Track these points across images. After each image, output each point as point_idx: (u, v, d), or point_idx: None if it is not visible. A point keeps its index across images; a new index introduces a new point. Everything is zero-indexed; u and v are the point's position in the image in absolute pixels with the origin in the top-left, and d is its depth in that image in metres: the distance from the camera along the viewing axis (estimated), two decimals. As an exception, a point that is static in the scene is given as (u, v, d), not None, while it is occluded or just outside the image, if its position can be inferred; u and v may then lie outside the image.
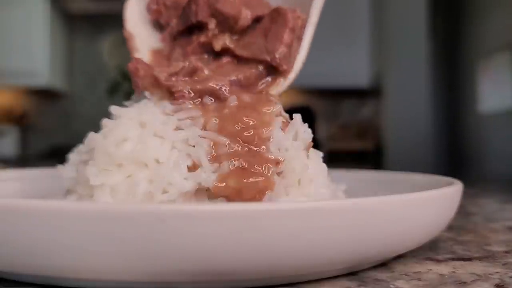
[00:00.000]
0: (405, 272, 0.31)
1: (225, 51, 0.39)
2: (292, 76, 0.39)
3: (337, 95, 3.29)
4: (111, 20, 3.42)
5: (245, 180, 0.32)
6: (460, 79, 3.21)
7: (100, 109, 3.20)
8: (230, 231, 0.24)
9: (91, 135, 0.36)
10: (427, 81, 2.76)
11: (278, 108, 0.37)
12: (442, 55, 3.29)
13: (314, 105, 3.17)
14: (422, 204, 0.31)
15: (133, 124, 0.35)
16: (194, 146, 0.34)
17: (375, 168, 2.38)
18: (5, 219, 0.24)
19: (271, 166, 0.33)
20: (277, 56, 0.38)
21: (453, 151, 3.27)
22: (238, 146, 0.34)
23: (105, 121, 0.37)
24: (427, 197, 0.32)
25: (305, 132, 0.37)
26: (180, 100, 0.36)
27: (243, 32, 0.40)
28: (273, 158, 0.34)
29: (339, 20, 2.93)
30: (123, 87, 2.58)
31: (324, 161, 0.39)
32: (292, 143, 0.36)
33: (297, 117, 0.38)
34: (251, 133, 0.35)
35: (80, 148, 0.37)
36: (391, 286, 0.28)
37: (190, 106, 0.36)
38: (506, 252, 0.38)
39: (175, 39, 0.42)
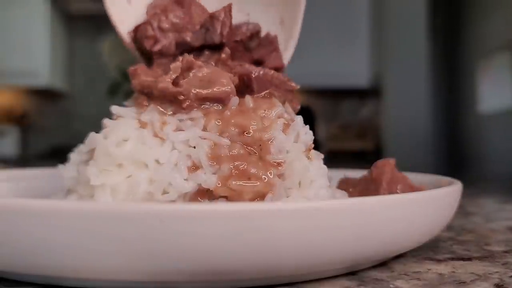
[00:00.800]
0: (404, 272, 0.31)
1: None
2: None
3: (337, 95, 3.29)
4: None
5: (245, 182, 0.32)
6: (460, 79, 3.21)
7: (100, 109, 3.19)
8: (230, 231, 0.24)
9: (92, 135, 0.36)
10: (427, 81, 2.76)
11: (280, 109, 0.37)
12: (442, 55, 3.29)
13: (314, 105, 3.17)
14: (422, 204, 0.31)
15: (133, 124, 0.35)
16: (194, 147, 0.34)
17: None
18: (5, 219, 0.24)
19: (271, 168, 0.34)
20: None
21: (453, 151, 3.27)
22: (238, 148, 0.34)
23: (105, 121, 0.37)
24: (427, 197, 0.32)
25: (306, 134, 0.37)
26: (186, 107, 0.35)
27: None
28: (273, 160, 0.34)
29: (339, 20, 2.93)
30: (123, 87, 2.58)
31: (324, 161, 0.40)
32: (293, 145, 0.36)
33: (298, 119, 0.38)
34: (252, 134, 0.35)
35: (81, 148, 0.37)
36: (391, 285, 0.28)
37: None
38: (506, 252, 0.38)
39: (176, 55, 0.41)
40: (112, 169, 0.33)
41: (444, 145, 3.27)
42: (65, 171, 0.37)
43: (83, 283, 0.27)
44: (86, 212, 0.23)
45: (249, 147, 0.34)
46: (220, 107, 0.36)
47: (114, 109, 0.37)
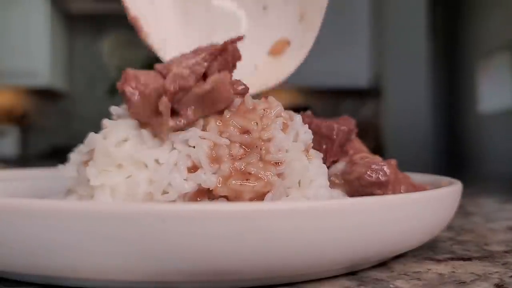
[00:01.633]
0: (404, 272, 0.31)
1: None
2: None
3: (337, 95, 3.29)
4: (112, 20, 3.42)
5: (245, 182, 0.32)
6: (460, 79, 3.21)
7: (100, 109, 3.19)
8: (230, 231, 0.24)
9: (91, 136, 0.36)
10: (427, 81, 2.76)
11: (279, 109, 0.37)
12: (442, 55, 3.29)
13: (314, 105, 3.17)
14: (422, 204, 0.31)
15: (133, 124, 0.35)
16: (194, 147, 0.34)
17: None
18: (5, 219, 0.24)
19: (271, 167, 0.34)
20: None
21: (453, 151, 3.27)
22: (238, 148, 0.34)
23: (105, 121, 0.37)
24: (427, 197, 0.32)
25: (305, 133, 0.37)
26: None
27: None
28: (273, 159, 0.34)
29: (339, 20, 2.92)
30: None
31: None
32: (292, 144, 0.36)
33: (297, 118, 0.38)
34: (251, 134, 0.35)
35: (80, 148, 0.37)
36: (391, 285, 0.28)
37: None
38: (506, 251, 0.38)
39: None
40: (112, 169, 0.33)
41: (444, 145, 3.27)
42: (65, 172, 0.37)
43: (83, 283, 0.26)
44: (86, 212, 0.23)
45: (248, 147, 0.34)
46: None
47: (114, 109, 0.37)
